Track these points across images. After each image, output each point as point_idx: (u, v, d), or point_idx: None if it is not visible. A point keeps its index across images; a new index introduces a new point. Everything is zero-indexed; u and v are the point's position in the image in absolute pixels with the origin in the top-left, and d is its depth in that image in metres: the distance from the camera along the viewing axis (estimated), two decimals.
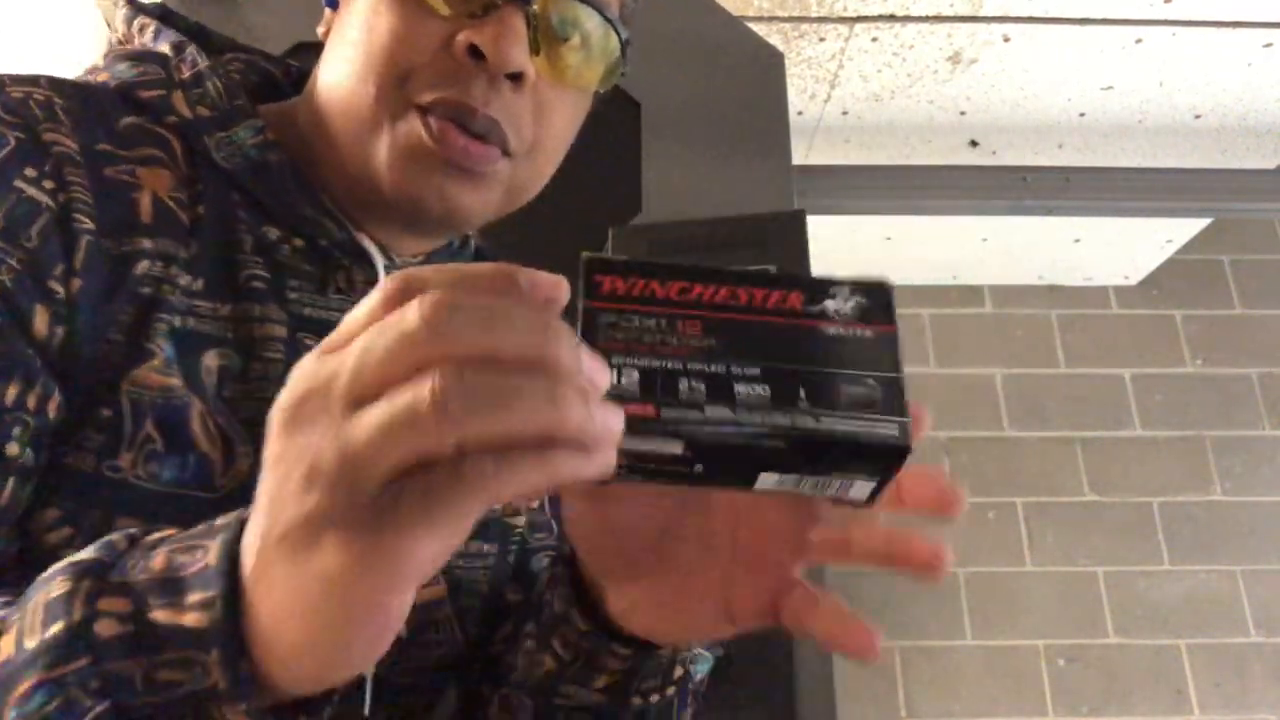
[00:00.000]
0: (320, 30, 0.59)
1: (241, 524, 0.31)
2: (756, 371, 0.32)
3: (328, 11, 0.58)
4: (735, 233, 1.18)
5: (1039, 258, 2.50)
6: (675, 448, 0.31)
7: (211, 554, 0.31)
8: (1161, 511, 2.42)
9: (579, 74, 0.56)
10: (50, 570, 0.32)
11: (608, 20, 0.55)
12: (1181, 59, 1.76)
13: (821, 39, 1.72)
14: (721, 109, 1.33)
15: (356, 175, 0.55)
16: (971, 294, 2.64)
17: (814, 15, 1.66)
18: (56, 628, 0.30)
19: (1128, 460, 2.47)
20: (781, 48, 1.70)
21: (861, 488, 0.34)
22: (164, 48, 0.57)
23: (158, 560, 0.31)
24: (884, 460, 0.32)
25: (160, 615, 0.30)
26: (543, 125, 0.55)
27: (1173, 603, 2.35)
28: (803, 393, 0.32)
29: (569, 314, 0.31)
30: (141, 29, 0.60)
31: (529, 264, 0.76)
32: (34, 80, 0.50)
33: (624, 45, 0.57)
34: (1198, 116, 1.94)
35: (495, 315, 0.27)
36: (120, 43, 0.61)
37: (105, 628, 0.29)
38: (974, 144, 2.05)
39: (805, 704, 1.02)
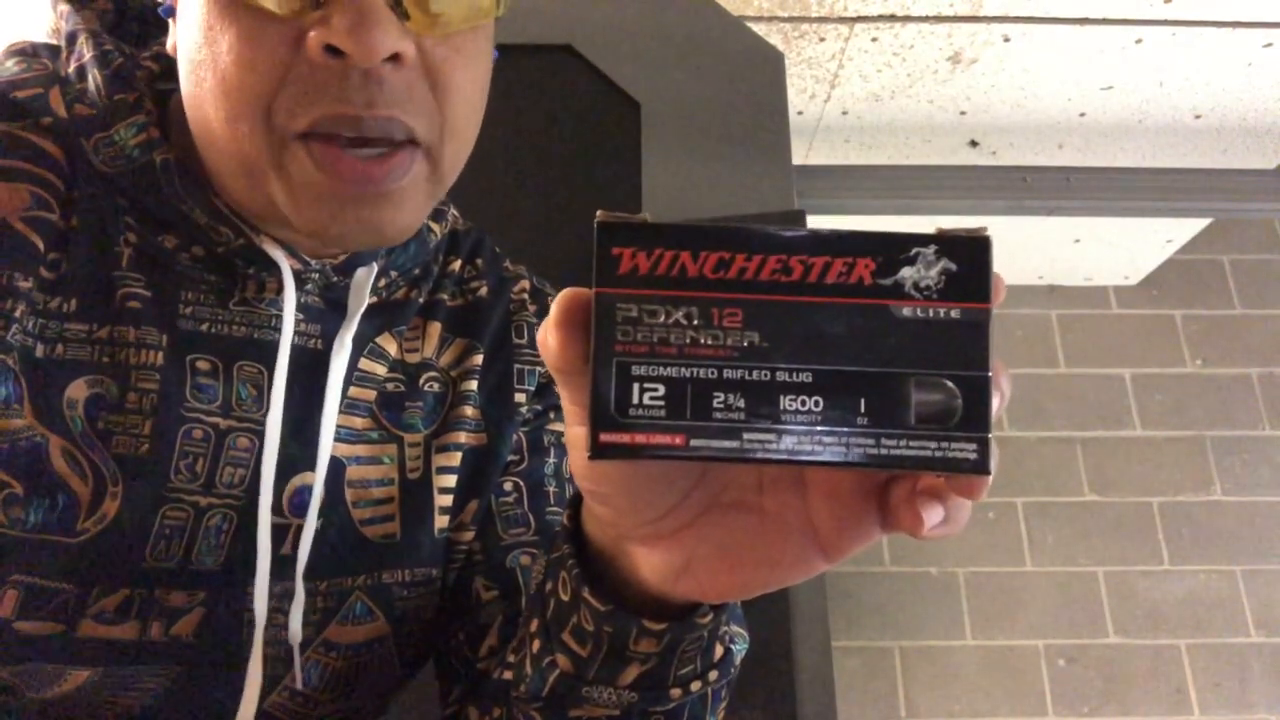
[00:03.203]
0: (169, 45, 0.51)
1: None
2: (808, 377, 0.27)
3: (170, 23, 0.50)
4: None
5: (1039, 258, 2.50)
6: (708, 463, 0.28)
7: None
8: (1161, 511, 2.42)
9: (468, 13, 0.46)
10: None
11: None
12: (1181, 59, 1.75)
13: (821, 39, 1.72)
14: (721, 109, 1.33)
15: (261, 208, 0.49)
16: None
17: (814, 15, 1.66)
18: None
19: (1128, 460, 2.47)
20: (781, 48, 1.70)
21: None
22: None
23: None
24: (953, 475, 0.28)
25: None
26: (447, 93, 0.47)
27: (1173, 603, 2.35)
28: (863, 404, 0.27)
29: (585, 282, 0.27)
30: (61, 16, 0.53)
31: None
32: None
33: None
34: (1198, 116, 1.94)
35: None
36: (53, 33, 0.55)
37: None
38: (974, 144, 2.05)
39: (805, 704, 1.02)
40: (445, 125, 0.47)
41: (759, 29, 1.64)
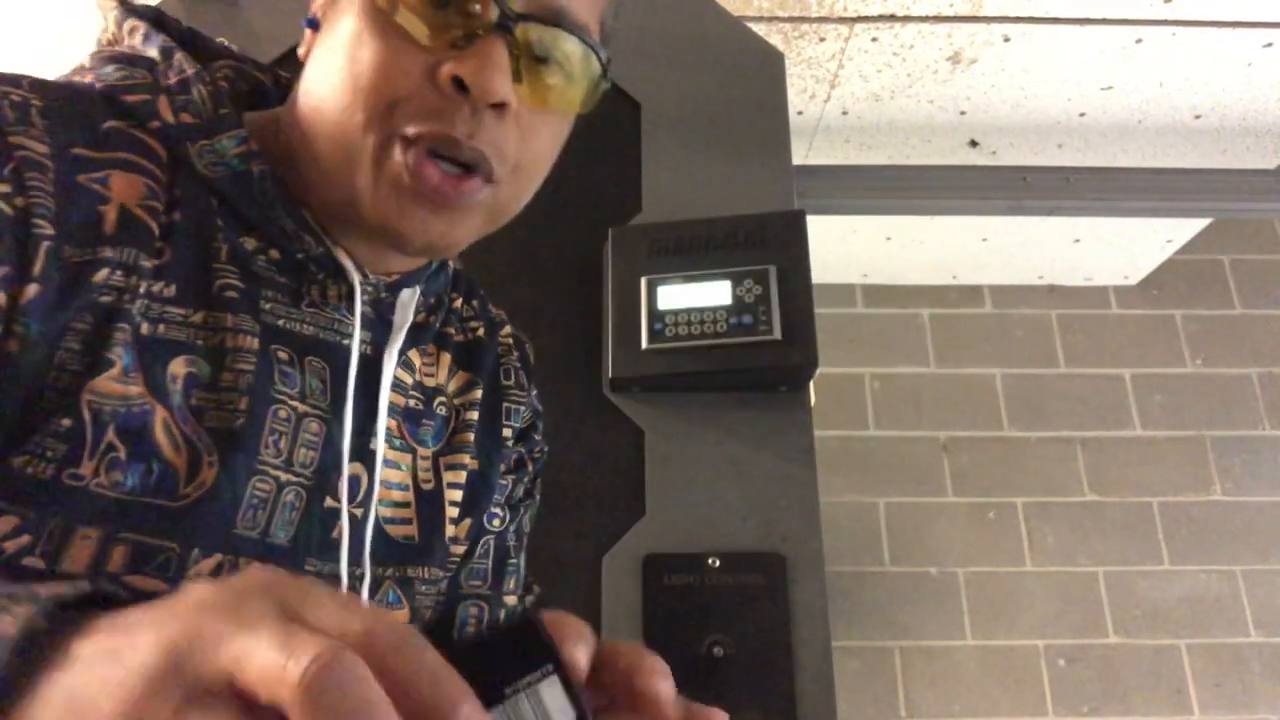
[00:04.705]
0: (301, 51, 0.58)
1: (55, 608, 0.29)
2: None
3: (308, 32, 0.58)
4: (735, 233, 1.18)
5: (1039, 258, 2.51)
6: None
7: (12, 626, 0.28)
8: (1161, 511, 2.42)
9: (561, 98, 0.56)
10: None
11: (588, 45, 0.55)
12: (1181, 59, 1.75)
13: (821, 39, 1.72)
14: (721, 109, 1.33)
15: (338, 197, 0.55)
16: (971, 294, 2.64)
17: (814, 15, 1.66)
18: None
19: (1128, 460, 2.47)
20: (781, 48, 1.70)
21: None
22: (153, 52, 0.57)
23: None
24: None
25: None
26: (525, 148, 0.56)
27: (1173, 603, 2.35)
28: None
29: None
30: (132, 31, 0.60)
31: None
32: (15, 81, 0.49)
33: (605, 66, 0.58)
34: (1198, 116, 1.94)
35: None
36: (110, 42, 0.61)
37: None
38: (974, 144, 2.05)
39: (805, 704, 1.02)
40: (518, 169, 0.56)
41: (759, 29, 1.64)
